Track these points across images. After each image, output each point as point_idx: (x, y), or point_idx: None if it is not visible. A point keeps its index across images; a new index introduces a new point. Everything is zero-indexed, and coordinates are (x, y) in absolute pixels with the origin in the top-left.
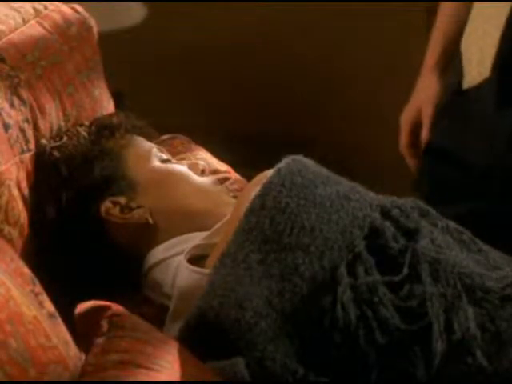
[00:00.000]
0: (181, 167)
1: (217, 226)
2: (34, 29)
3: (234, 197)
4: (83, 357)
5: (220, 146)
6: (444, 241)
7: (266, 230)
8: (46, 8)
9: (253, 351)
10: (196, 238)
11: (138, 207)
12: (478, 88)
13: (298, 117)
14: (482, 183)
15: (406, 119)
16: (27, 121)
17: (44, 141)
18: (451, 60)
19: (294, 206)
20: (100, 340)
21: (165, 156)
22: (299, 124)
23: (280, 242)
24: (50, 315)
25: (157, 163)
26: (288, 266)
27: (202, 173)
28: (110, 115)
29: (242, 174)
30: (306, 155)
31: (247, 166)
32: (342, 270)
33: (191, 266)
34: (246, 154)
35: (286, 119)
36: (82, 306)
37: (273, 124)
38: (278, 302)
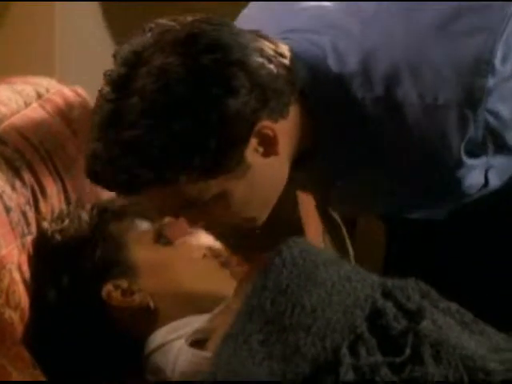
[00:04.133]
0: (182, 250)
1: (218, 309)
2: (36, 112)
3: (236, 279)
4: None
5: None
6: (445, 322)
7: (268, 311)
8: (47, 91)
9: None
10: (197, 321)
11: (140, 290)
12: None
13: None
14: None
15: None
16: (28, 203)
17: (45, 224)
18: None
19: (294, 287)
20: None
21: (166, 239)
22: None
23: (281, 323)
24: None
25: (158, 246)
26: (290, 347)
27: (204, 256)
28: (112, 199)
29: None
30: None
31: None
32: (344, 350)
33: (192, 350)
34: None
35: None
36: None
37: None
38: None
